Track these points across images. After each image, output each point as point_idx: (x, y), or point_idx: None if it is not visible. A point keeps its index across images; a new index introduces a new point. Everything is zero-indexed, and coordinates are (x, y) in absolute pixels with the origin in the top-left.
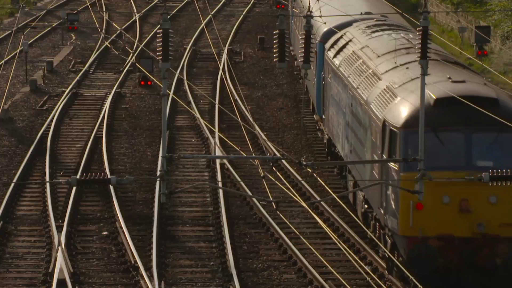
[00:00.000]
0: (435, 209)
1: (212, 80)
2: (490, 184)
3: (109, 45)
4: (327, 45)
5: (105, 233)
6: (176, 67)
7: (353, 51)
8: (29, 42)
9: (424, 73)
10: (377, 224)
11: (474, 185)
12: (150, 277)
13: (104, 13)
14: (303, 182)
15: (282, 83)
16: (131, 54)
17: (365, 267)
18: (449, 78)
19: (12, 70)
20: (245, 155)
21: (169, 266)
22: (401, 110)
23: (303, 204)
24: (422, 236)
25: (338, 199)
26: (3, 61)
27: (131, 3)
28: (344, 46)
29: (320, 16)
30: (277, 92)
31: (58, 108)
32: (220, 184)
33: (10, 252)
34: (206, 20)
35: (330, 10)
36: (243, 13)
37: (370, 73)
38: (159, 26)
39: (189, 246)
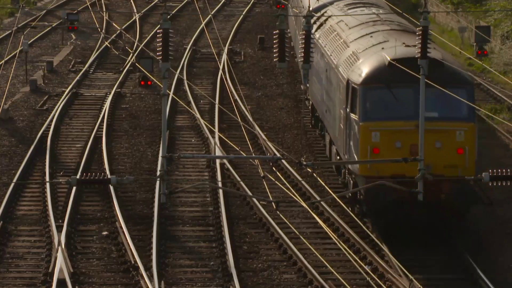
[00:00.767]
0: (389, 153)
1: (212, 80)
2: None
3: (109, 45)
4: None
5: (105, 233)
6: (176, 67)
7: (330, 25)
8: (29, 42)
9: (424, 73)
10: (346, 171)
11: None
12: (150, 277)
13: (104, 13)
14: (303, 182)
15: (282, 83)
16: (131, 54)
17: (365, 267)
18: (403, 43)
19: (12, 70)
20: (245, 155)
21: (169, 266)
22: (362, 70)
23: (303, 204)
24: (378, 176)
25: (338, 199)
26: (3, 61)
27: (131, 3)
28: (324, 22)
29: None
30: (277, 92)
31: (58, 108)
32: (220, 184)
33: (10, 252)
34: (206, 20)
35: None
36: (243, 13)
37: (341, 42)
38: (159, 26)
39: (189, 246)
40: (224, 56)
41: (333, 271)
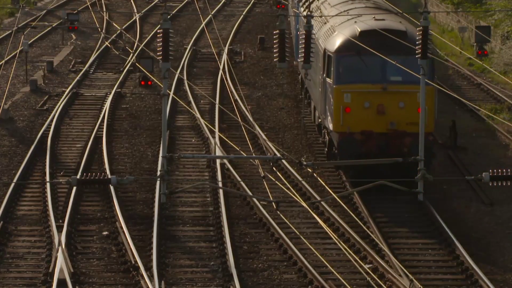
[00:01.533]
0: (359, 112)
1: (212, 80)
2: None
3: (109, 45)
4: (301, 3)
5: (105, 233)
6: (176, 67)
7: (316, 5)
8: (29, 42)
9: (423, 73)
10: (325, 130)
11: (387, 94)
12: (150, 277)
13: (104, 13)
14: (303, 182)
15: (282, 83)
16: (131, 54)
17: (365, 267)
18: (374, 17)
19: (12, 70)
20: (245, 155)
21: (169, 266)
22: (336, 40)
23: (303, 204)
24: (349, 132)
25: (338, 199)
26: (3, 61)
27: (131, 3)
28: (311, 2)
29: None
30: (277, 92)
31: (58, 108)
32: (220, 184)
33: (11, 252)
34: (206, 20)
35: None
36: (243, 13)
37: (323, 19)
38: (159, 26)
39: (190, 246)
40: (224, 56)
41: (333, 271)
